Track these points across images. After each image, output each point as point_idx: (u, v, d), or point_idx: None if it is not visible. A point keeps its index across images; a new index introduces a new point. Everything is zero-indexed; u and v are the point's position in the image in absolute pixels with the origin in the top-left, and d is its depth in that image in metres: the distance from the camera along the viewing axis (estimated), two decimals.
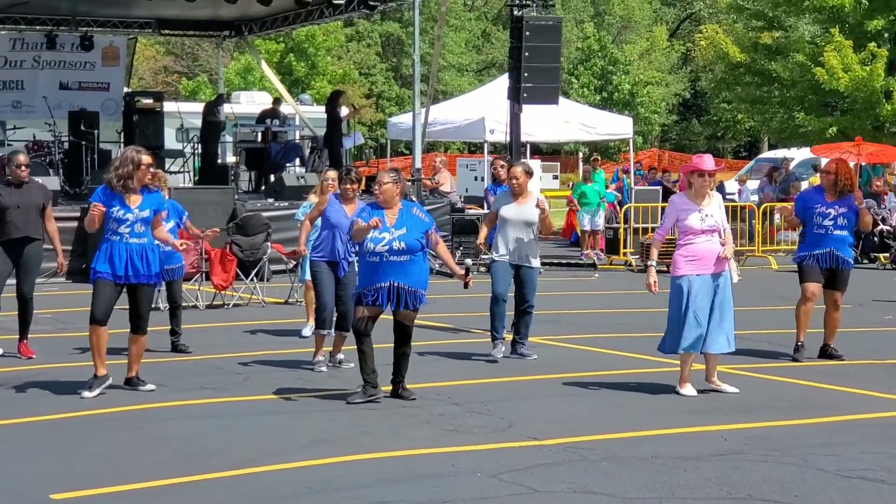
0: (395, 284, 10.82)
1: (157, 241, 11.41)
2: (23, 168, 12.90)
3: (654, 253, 11.57)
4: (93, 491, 8.09)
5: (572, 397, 11.40)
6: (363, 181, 12.43)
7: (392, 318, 11.10)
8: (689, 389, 11.33)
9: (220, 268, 17.60)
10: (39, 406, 10.72)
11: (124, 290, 11.18)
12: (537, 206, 13.14)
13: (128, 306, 11.31)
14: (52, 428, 9.99)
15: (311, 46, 59.13)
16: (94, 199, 11.16)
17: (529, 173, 13.42)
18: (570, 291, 20.66)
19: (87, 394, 11.03)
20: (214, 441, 9.57)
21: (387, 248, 10.82)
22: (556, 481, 8.36)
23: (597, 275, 23.39)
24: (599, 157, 35.02)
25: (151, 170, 13.30)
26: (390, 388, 11.15)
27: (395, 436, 9.74)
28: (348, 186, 12.32)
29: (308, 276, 13.37)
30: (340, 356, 12.68)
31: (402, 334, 11.10)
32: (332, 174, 13.21)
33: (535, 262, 13.37)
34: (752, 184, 34.87)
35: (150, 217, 11.17)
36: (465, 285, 11.80)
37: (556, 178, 41.54)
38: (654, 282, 11.34)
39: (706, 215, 11.18)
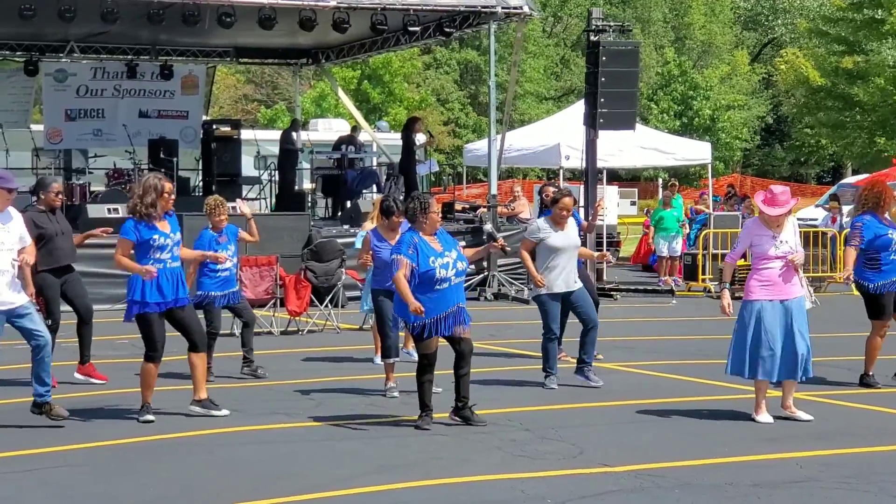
0: (460, 306, 10.91)
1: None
2: (59, 195, 13.12)
3: (728, 275, 11.44)
4: None
5: (645, 424, 11.28)
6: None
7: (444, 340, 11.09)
8: (765, 416, 11.17)
9: (295, 294, 17.66)
10: (111, 431, 10.79)
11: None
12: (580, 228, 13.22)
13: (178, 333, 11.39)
14: (124, 452, 10.05)
15: (388, 73, 59.43)
16: (128, 236, 11.08)
17: (577, 202, 13.45)
18: (647, 318, 20.50)
19: (148, 417, 11.18)
20: (284, 466, 9.57)
21: (454, 271, 10.86)
22: None
23: (674, 301, 23.19)
24: (678, 183, 34.74)
25: (214, 198, 13.53)
26: (452, 411, 11.15)
27: (465, 462, 9.69)
28: (396, 220, 12.32)
29: (367, 307, 13.49)
30: (392, 384, 12.69)
31: (468, 350, 11.06)
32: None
33: (580, 282, 13.24)
34: (846, 209, 34.35)
35: (181, 240, 11.30)
36: (503, 249, 11.92)
37: (633, 204, 41.34)
38: (729, 304, 11.20)
39: (781, 241, 11.07)
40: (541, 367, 13.18)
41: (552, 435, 10.61)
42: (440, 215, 11.17)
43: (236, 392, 12.74)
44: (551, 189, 14.98)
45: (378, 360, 14.18)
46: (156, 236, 11.06)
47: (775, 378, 11.15)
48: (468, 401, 11.09)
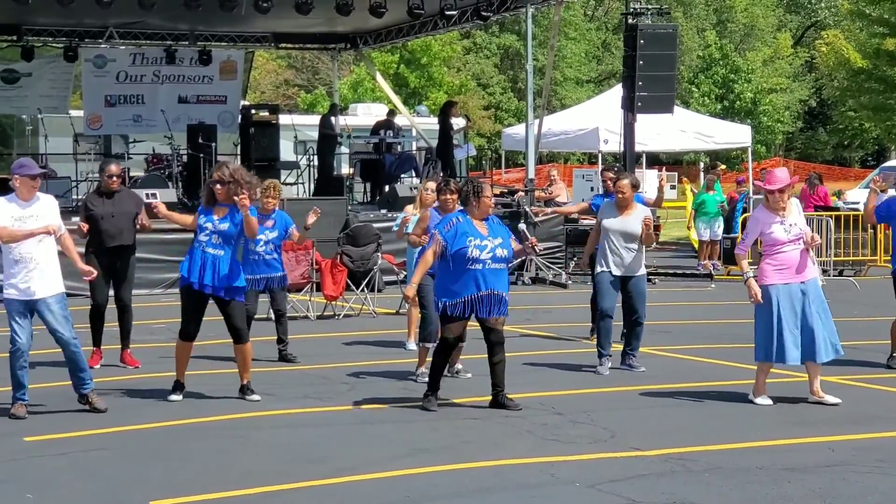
0: (494, 292, 10.85)
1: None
2: (114, 178, 13.10)
3: (745, 265, 11.41)
4: (193, 497, 8.18)
5: (678, 407, 11.25)
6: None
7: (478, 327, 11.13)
8: (764, 399, 11.26)
9: (331, 278, 17.67)
10: (144, 414, 10.85)
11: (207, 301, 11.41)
12: (644, 222, 13.05)
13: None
14: (156, 436, 10.10)
15: (427, 57, 59.36)
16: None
17: (636, 186, 13.33)
18: (685, 302, 20.41)
19: (174, 397, 11.38)
20: (316, 449, 9.60)
21: (491, 255, 10.84)
22: (657, 492, 8.23)
23: (713, 285, 23.07)
24: (725, 167, 34.53)
25: (269, 181, 13.56)
26: (490, 399, 11.15)
27: (496, 445, 9.68)
28: (448, 197, 12.08)
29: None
30: (459, 366, 12.66)
31: (498, 342, 11.06)
32: (432, 185, 13.07)
33: (641, 271, 13.24)
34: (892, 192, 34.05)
35: (229, 230, 11.26)
36: (534, 249, 11.81)
37: (673, 187, 41.07)
38: (758, 290, 11.15)
39: (790, 225, 11.14)
40: (576, 350, 13.15)
41: (584, 419, 10.59)
42: (493, 200, 11.13)
43: (270, 376, 12.78)
44: (610, 174, 14.95)
45: (411, 345, 14.20)
46: (201, 218, 11.28)
47: (800, 360, 11.14)
48: (502, 389, 11.09)
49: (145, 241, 18.58)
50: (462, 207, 11.19)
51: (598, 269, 13.20)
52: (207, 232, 11.22)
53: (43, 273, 10.53)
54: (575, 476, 8.65)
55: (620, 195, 13.13)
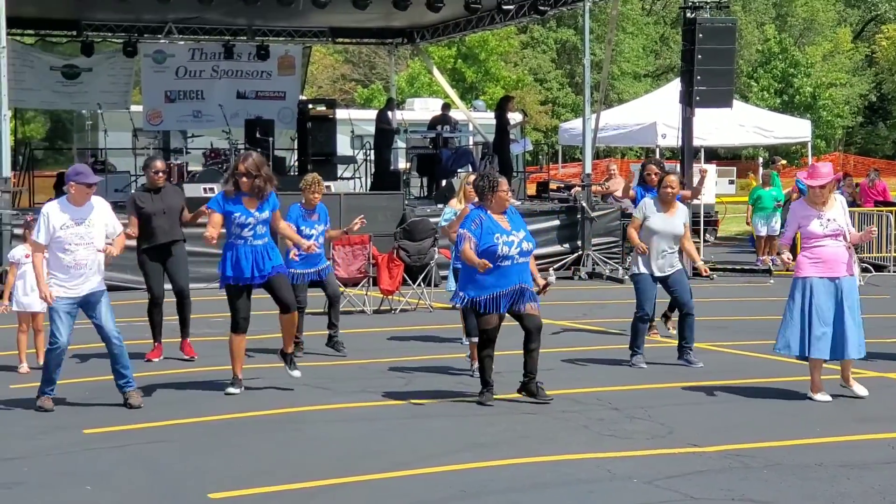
0: (523, 286, 10.93)
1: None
2: (160, 174, 13.28)
3: (787, 254, 11.33)
4: (250, 491, 8.18)
5: (736, 404, 11.16)
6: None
7: (515, 319, 11.13)
8: (822, 395, 11.19)
9: (387, 273, 17.69)
10: (201, 407, 10.91)
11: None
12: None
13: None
14: (213, 429, 10.15)
15: (484, 52, 59.27)
16: (211, 206, 11.56)
17: (682, 183, 13.26)
18: (744, 298, 20.27)
19: (232, 390, 11.47)
20: (372, 443, 9.60)
21: (518, 250, 10.92)
22: (714, 488, 8.17)
23: (772, 281, 22.89)
24: (785, 162, 34.16)
25: (312, 176, 13.67)
26: (522, 386, 11.22)
27: (552, 440, 9.64)
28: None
29: (454, 286, 13.45)
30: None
31: (536, 327, 11.05)
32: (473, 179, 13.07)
33: (679, 265, 13.19)
34: None
35: (268, 217, 11.39)
36: (541, 291, 11.65)
37: (731, 182, 40.75)
38: (789, 256, 11.20)
39: (828, 220, 11.09)
40: (643, 349, 13.10)
41: (641, 414, 10.53)
42: (509, 194, 11.15)
43: (326, 370, 12.81)
44: (654, 167, 14.78)
45: (466, 339, 14.18)
46: (237, 213, 11.28)
47: (829, 356, 11.14)
48: (535, 376, 11.12)
49: (199, 236, 18.71)
50: (479, 202, 11.20)
51: (638, 269, 13.06)
52: (251, 225, 11.29)
53: (92, 276, 10.72)
54: (632, 472, 8.60)
55: (669, 190, 13.03)
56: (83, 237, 10.58)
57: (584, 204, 23.66)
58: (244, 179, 11.26)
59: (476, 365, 12.17)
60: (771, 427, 10.14)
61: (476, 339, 12.12)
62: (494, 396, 11.11)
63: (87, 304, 10.71)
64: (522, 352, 11.10)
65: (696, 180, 16.74)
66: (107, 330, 10.74)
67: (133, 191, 13.79)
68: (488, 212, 11.00)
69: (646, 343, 13.26)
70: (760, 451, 9.20)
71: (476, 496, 8.07)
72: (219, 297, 17.80)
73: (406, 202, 23.25)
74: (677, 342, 13.37)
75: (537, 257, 22.33)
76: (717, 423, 10.28)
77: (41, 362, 11.74)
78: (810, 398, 11.18)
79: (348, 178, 28.05)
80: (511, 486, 8.30)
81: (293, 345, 11.89)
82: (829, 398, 11.13)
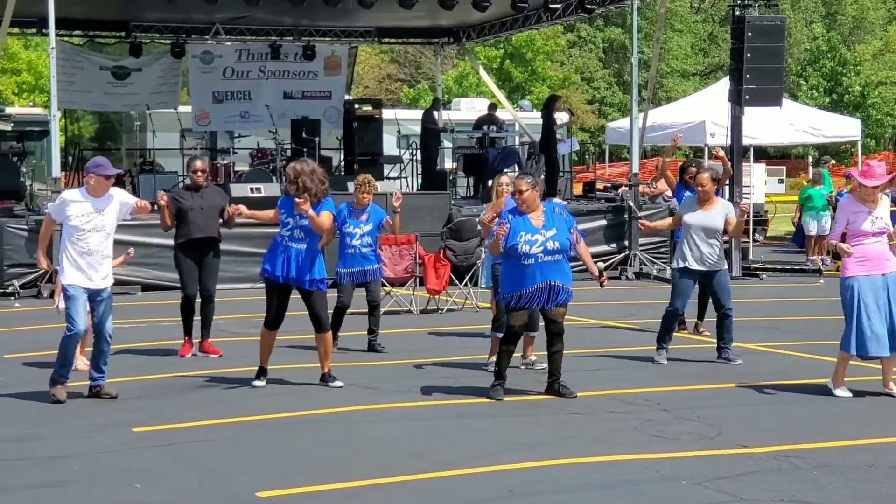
0: (551, 283, 11.00)
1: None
2: (199, 174, 13.58)
3: (844, 245, 11.24)
4: (297, 490, 8.19)
5: (786, 404, 11.07)
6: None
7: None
8: (843, 391, 11.30)
9: (434, 273, 17.68)
10: (248, 407, 10.93)
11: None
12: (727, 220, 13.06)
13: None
14: (260, 428, 10.16)
15: (530, 51, 59.16)
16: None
17: (716, 180, 13.41)
18: (794, 298, 20.12)
19: (257, 383, 11.77)
20: (418, 443, 9.59)
21: (541, 248, 10.96)
22: (763, 489, 8.10)
23: (822, 281, 22.72)
24: (835, 161, 33.89)
25: (363, 176, 13.78)
26: (547, 387, 11.41)
27: (599, 441, 9.60)
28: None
29: (486, 282, 13.51)
30: (532, 357, 12.69)
31: (557, 332, 11.23)
32: (506, 179, 13.13)
33: (723, 265, 13.23)
34: None
35: (310, 224, 11.43)
36: (601, 284, 11.81)
37: (781, 182, 40.50)
38: (848, 246, 11.14)
39: (877, 217, 11.17)
40: (681, 346, 13.11)
41: (690, 415, 10.47)
42: (529, 194, 11.13)
43: (373, 370, 12.82)
44: (693, 168, 14.96)
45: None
46: (282, 211, 11.62)
47: (888, 352, 11.16)
48: (559, 377, 11.32)
49: (239, 236, 18.97)
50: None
51: (677, 265, 13.22)
52: (290, 227, 11.54)
53: (104, 266, 11.11)
54: (680, 473, 8.54)
55: (701, 189, 13.13)
56: (97, 226, 11.03)
57: (631, 203, 23.56)
58: (288, 182, 11.60)
59: (492, 359, 12.26)
60: (821, 428, 10.07)
61: (499, 335, 12.13)
62: (539, 396, 11.08)
63: (93, 300, 11.09)
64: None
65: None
66: (104, 328, 11.19)
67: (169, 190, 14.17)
68: (522, 211, 11.13)
69: (687, 344, 13.21)
70: (810, 451, 9.13)
71: (523, 496, 8.04)
72: (246, 297, 17.94)
73: (452, 202, 23.22)
74: (716, 342, 13.40)
75: None
76: (766, 424, 10.20)
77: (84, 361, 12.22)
78: (831, 392, 11.29)
79: (395, 178, 28.06)
80: (558, 486, 8.26)
81: (329, 365, 12.01)
82: (850, 394, 11.22)
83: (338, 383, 11.82)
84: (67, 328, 10.99)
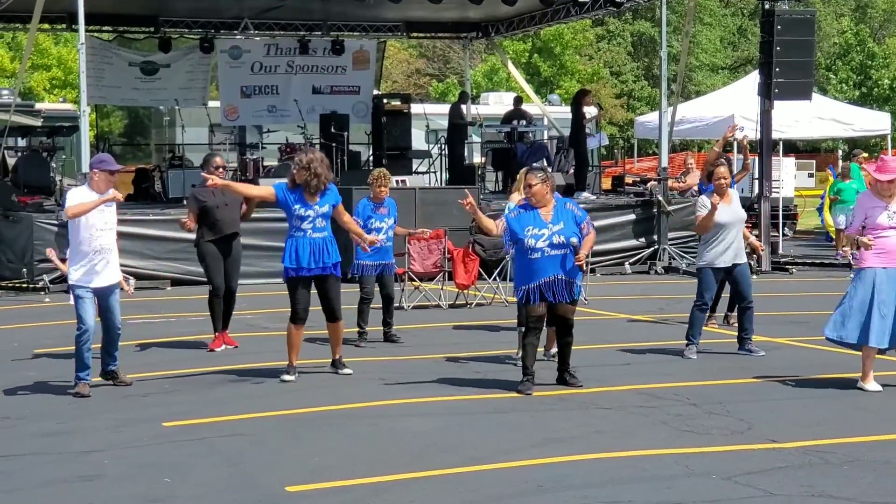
0: (559, 277, 11.12)
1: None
2: (219, 170, 13.55)
3: (864, 238, 11.26)
4: (326, 484, 8.20)
5: (816, 399, 11.03)
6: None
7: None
8: (873, 385, 11.29)
9: (463, 267, 17.68)
10: (277, 401, 10.94)
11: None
12: None
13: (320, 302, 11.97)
14: (289, 422, 10.17)
15: (559, 46, 59.05)
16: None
17: (731, 171, 13.62)
18: (823, 292, 19.98)
19: (287, 377, 11.84)
20: (447, 438, 9.59)
21: (547, 242, 11.07)
22: (794, 485, 8.06)
23: (852, 275, 22.55)
24: (866, 154, 33.71)
25: (379, 171, 13.89)
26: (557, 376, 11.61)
27: (629, 436, 9.58)
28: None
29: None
30: (554, 350, 12.72)
31: (565, 326, 11.41)
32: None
33: (744, 258, 13.39)
34: None
35: (329, 210, 11.70)
36: (581, 269, 11.81)
37: (811, 176, 40.36)
38: (869, 238, 11.16)
39: (894, 212, 11.23)
40: (710, 341, 13.11)
41: (719, 410, 10.43)
42: (539, 188, 11.22)
43: (401, 364, 12.83)
44: (721, 168, 14.91)
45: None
46: (297, 206, 11.64)
47: (886, 344, 11.23)
48: (567, 368, 11.55)
49: (259, 231, 19.10)
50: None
51: (705, 262, 13.25)
52: (311, 218, 11.64)
53: (111, 263, 11.28)
54: (710, 468, 8.52)
55: (722, 181, 13.24)
56: (106, 222, 11.19)
57: (661, 198, 23.50)
58: (298, 171, 11.63)
59: (520, 353, 12.27)
60: (851, 423, 10.02)
61: (524, 329, 12.17)
62: (569, 391, 11.06)
63: (102, 295, 11.26)
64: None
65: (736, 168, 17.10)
66: (115, 319, 11.38)
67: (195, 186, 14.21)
68: (531, 205, 11.25)
69: (716, 339, 13.20)
70: (840, 446, 9.09)
71: (552, 491, 8.02)
72: (264, 293, 18.01)
73: (481, 196, 23.22)
74: (737, 333, 13.51)
75: (613, 251, 22.53)
76: (796, 419, 10.16)
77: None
78: (861, 388, 11.27)
79: (423, 173, 28.06)
80: (587, 481, 8.24)
81: (340, 352, 12.30)
82: (881, 388, 11.22)
83: (347, 370, 12.11)
84: (78, 327, 11.11)
